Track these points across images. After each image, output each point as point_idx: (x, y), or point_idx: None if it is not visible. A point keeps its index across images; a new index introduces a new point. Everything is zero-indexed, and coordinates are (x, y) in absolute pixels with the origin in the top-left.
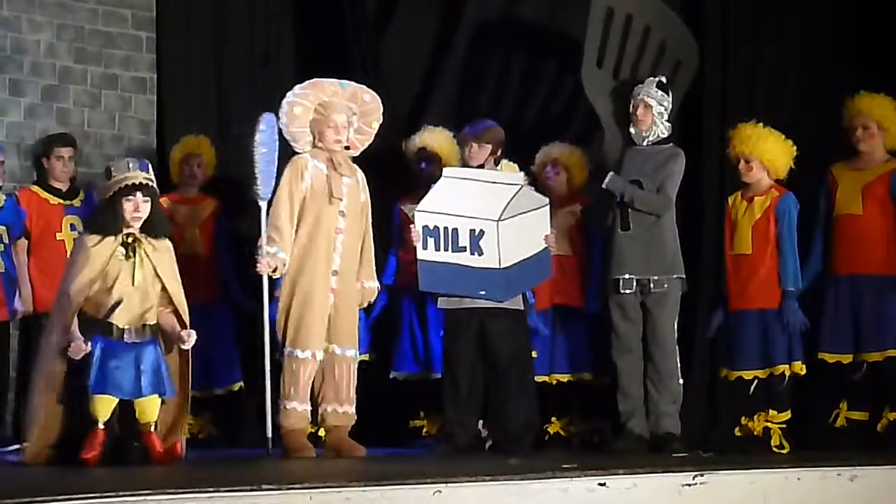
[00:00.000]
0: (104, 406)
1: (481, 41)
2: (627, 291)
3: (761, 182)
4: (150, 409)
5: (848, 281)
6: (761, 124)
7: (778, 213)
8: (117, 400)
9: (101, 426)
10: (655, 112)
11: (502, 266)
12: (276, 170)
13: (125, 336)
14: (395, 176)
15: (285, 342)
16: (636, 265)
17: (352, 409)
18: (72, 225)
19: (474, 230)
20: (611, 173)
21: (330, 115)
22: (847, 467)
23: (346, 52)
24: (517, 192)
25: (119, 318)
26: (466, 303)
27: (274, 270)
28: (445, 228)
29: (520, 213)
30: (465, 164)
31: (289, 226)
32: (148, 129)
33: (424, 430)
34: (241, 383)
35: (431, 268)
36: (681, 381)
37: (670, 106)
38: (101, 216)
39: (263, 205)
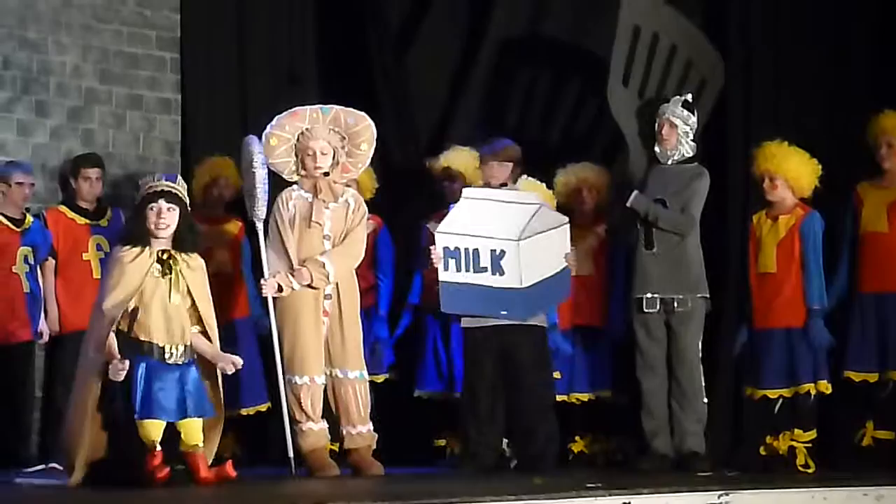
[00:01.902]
0: (154, 429)
1: (506, 60)
2: (651, 310)
3: (786, 200)
4: (194, 430)
5: (874, 299)
6: (786, 143)
7: (803, 231)
8: (165, 422)
9: (158, 448)
10: (680, 131)
11: (524, 286)
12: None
13: (166, 356)
14: (421, 196)
15: (284, 368)
16: (660, 284)
17: (366, 429)
18: (98, 245)
19: (495, 250)
20: (635, 192)
21: (308, 142)
22: (873, 487)
23: (369, 72)
24: (536, 212)
25: (159, 338)
26: (489, 321)
27: (279, 290)
28: (466, 249)
29: (539, 233)
30: (486, 184)
31: (284, 250)
32: (172, 150)
33: (449, 449)
34: (269, 404)
35: (453, 289)
36: (705, 399)
37: (695, 125)
38: (128, 226)
39: (260, 225)
